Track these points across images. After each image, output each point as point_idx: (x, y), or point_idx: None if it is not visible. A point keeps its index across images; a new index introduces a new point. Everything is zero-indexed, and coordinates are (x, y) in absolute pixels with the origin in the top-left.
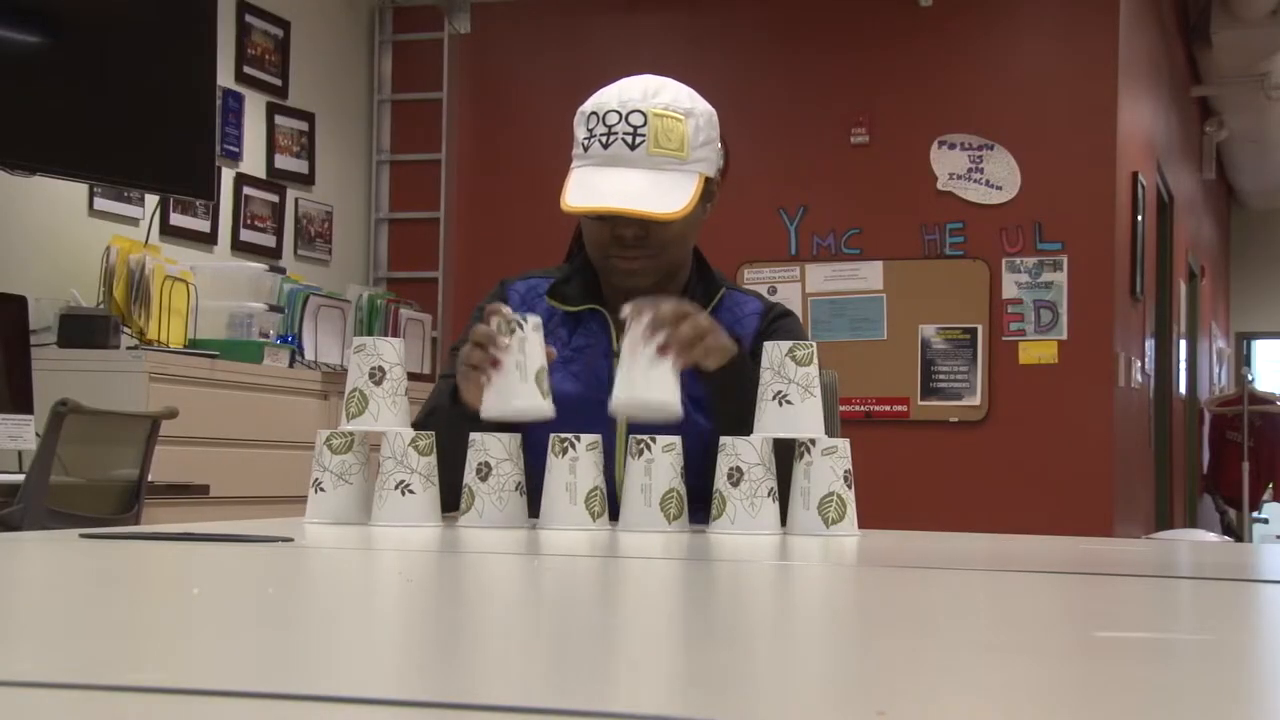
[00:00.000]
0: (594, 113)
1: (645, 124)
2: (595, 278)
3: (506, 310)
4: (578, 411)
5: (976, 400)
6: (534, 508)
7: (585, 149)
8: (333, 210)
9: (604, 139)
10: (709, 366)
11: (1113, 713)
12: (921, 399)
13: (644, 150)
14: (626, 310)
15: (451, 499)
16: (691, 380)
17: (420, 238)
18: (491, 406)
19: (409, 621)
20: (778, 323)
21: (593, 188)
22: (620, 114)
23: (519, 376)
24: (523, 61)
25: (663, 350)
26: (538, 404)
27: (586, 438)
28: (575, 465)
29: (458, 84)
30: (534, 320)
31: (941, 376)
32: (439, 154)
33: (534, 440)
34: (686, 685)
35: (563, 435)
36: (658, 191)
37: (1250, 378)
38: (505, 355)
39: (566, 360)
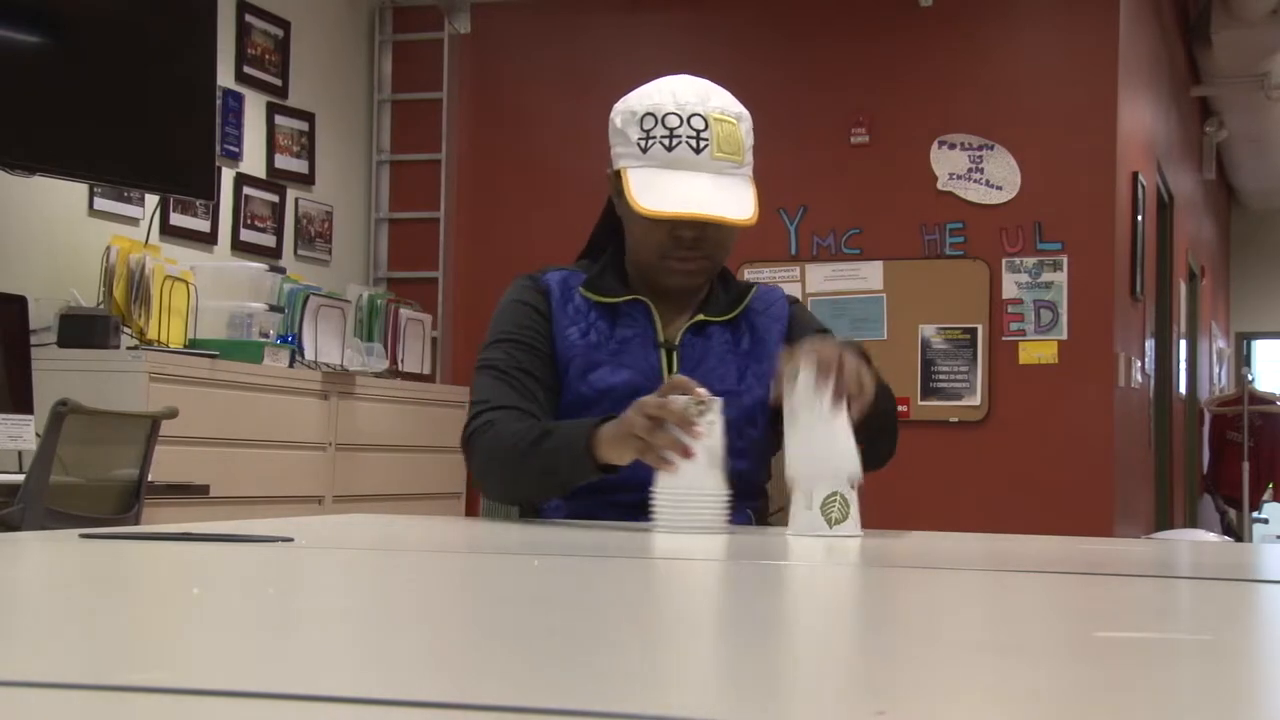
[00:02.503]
0: (650, 114)
1: (707, 128)
2: (625, 271)
3: (702, 391)
4: (632, 401)
5: (976, 400)
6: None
7: (644, 149)
8: (333, 210)
9: (666, 141)
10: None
11: (1112, 714)
12: (921, 399)
13: (708, 155)
14: (787, 367)
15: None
16: (730, 371)
17: (420, 238)
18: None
19: (410, 621)
20: (797, 307)
21: (664, 191)
22: (681, 117)
23: (708, 462)
24: (523, 61)
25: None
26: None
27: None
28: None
29: (458, 84)
30: (719, 402)
31: (941, 376)
32: (439, 154)
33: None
34: (686, 685)
35: (699, 396)
36: (726, 196)
37: (1250, 378)
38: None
39: (615, 352)
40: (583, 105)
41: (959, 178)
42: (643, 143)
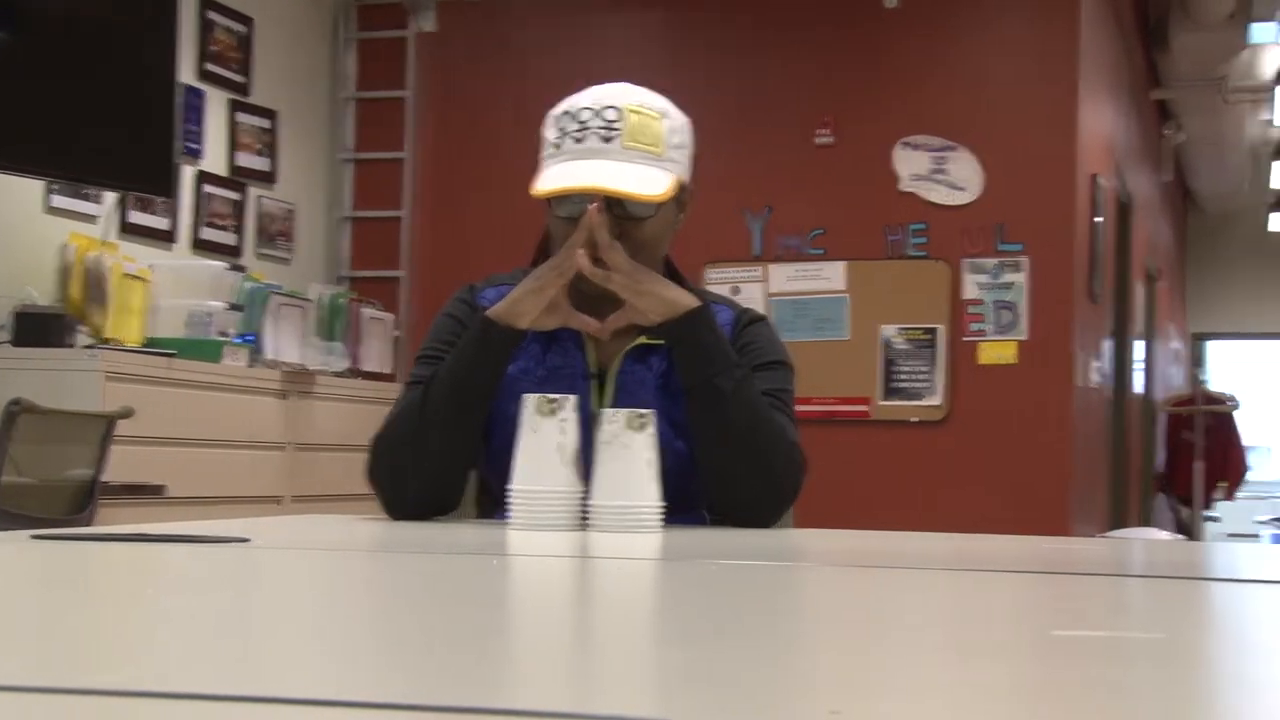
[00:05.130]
0: (566, 112)
1: (620, 119)
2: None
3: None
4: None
5: (937, 400)
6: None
7: (557, 146)
8: (295, 208)
9: (577, 135)
10: (651, 320)
11: (1069, 712)
12: (882, 399)
13: (619, 144)
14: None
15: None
16: (673, 402)
17: (383, 236)
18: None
19: (365, 622)
20: (749, 330)
21: (559, 175)
22: (594, 110)
23: (560, 460)
24: (488, 61)
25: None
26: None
27: (572, 398)
28: (566, 426)
29: (422, 82)
30: (573, 399)
31: (903, 376)
32: (403, 153)
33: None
34: (642, 685)
35: (550, 395)
36: (627, 177)
37: (1203, 378)
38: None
39: (542, 379)
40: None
41: (922, 179)
42: (558, 140)
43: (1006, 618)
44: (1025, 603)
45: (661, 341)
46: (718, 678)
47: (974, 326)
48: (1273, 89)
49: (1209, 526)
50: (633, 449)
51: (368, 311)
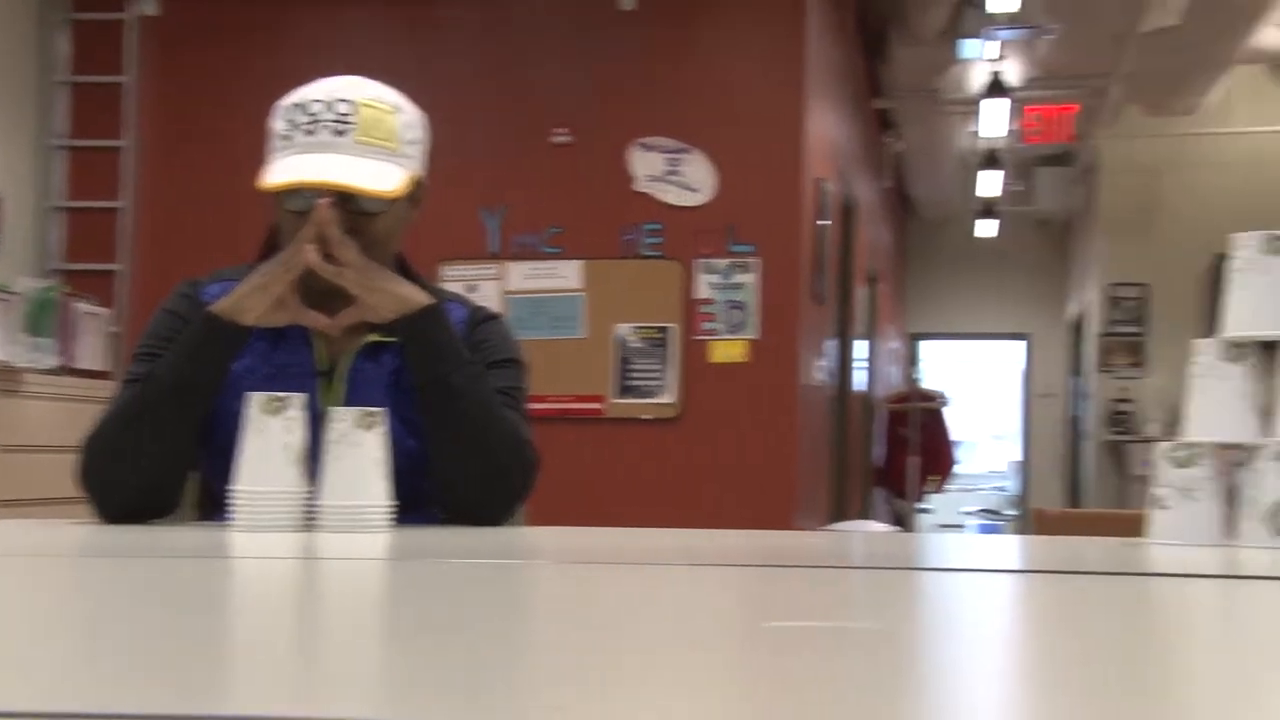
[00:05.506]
0: (296, 104)
1: (353, 112)
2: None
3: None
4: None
5: (669, 398)
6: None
7: (287, 139)
8: (1, 197)
9: (308, 127)
10: (383, 316)
11: (781, 701)
12: (616, 397)
13: (351, 138)
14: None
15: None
16: (404, 399)
17: (100, 228)
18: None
19: (67, 631)
20: (482, 328)
21: (295, 168)
22: (325, 103)
23: (285, 460)
24: (214, 48)
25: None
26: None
27: (299, 397)
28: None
29: (144, 68)
30: (300, 398)
31: (636, 375)
32: (122, 141)
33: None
34: (366, 687)
35: (276, 394)
36: (359, 171)
37: (918, 376)
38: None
39: (269, 377)
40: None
41: (657, 180)
42: (287, 133)
43: (726, 611)
44: (745, 596)
45: (393, 339)
46: (443, 678)
47: (706, 326)
48: (982, 102)
49: (922, 518)
50: (362, 448)
51: (81, 306)
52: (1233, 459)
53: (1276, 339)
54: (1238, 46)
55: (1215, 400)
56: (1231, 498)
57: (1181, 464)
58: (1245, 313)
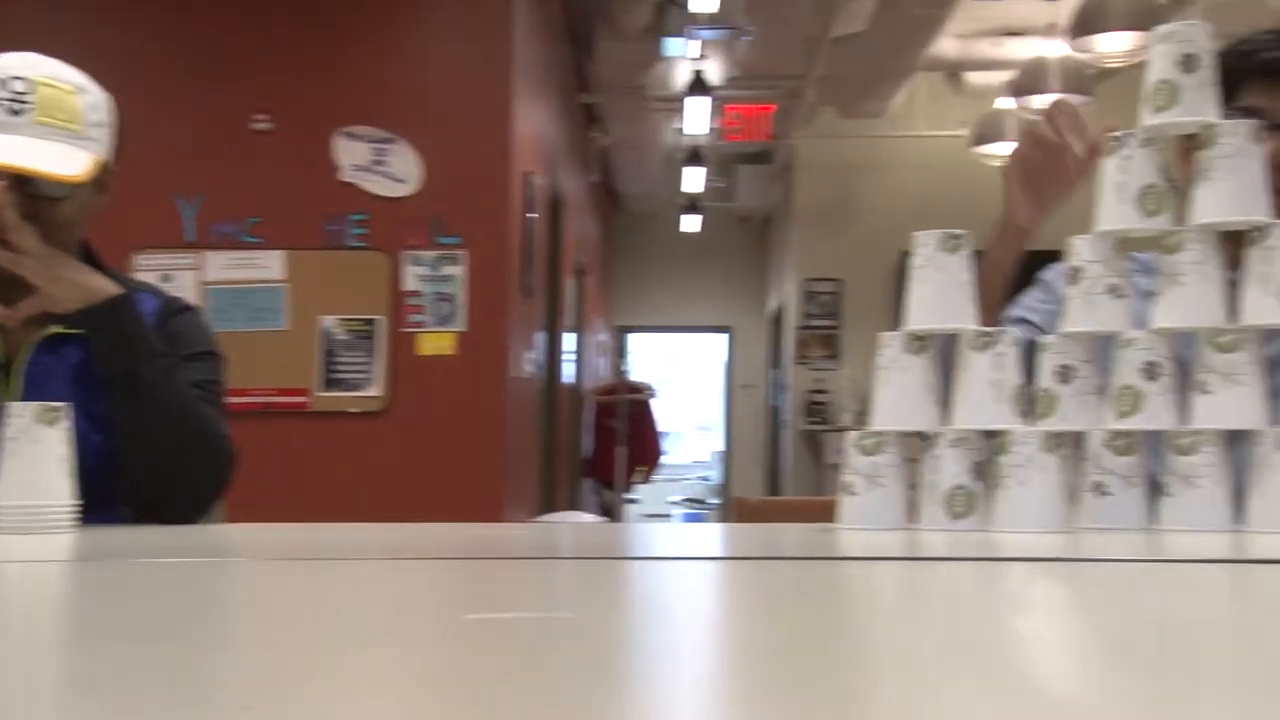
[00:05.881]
0: None
1: (30, 91)
2: None
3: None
4: None
5: (376, 391)
6: None
7: None
8: None
9: None
10: (66, 307)
11: (481, 694)
12: (322, 390)
13: (29, 118)
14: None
15: None
16: (91, 394)
17: None
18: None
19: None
20: (176, 320)
21: None
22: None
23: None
24: None
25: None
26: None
27: None
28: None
29: None
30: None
31: (342, 367)
32: None
33: None
34: (40, 696)
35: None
36: (48, 156)
37: (626, 368)
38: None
39: None
40: None
41: (362, 169)
42: None
43: (428, 605)
44: (449, 589)
45: (78, 330)
46: (127, 681)
47: (414, 318)
48: (685, 99)
49: (630, 508)
50: (43, 445)
51: None
52: (917, 446)
53: (954, 332)
54: (919, 55)
55: (899, 390)
56: (915, 483)
57: (868, 451)
58: (925, 307)
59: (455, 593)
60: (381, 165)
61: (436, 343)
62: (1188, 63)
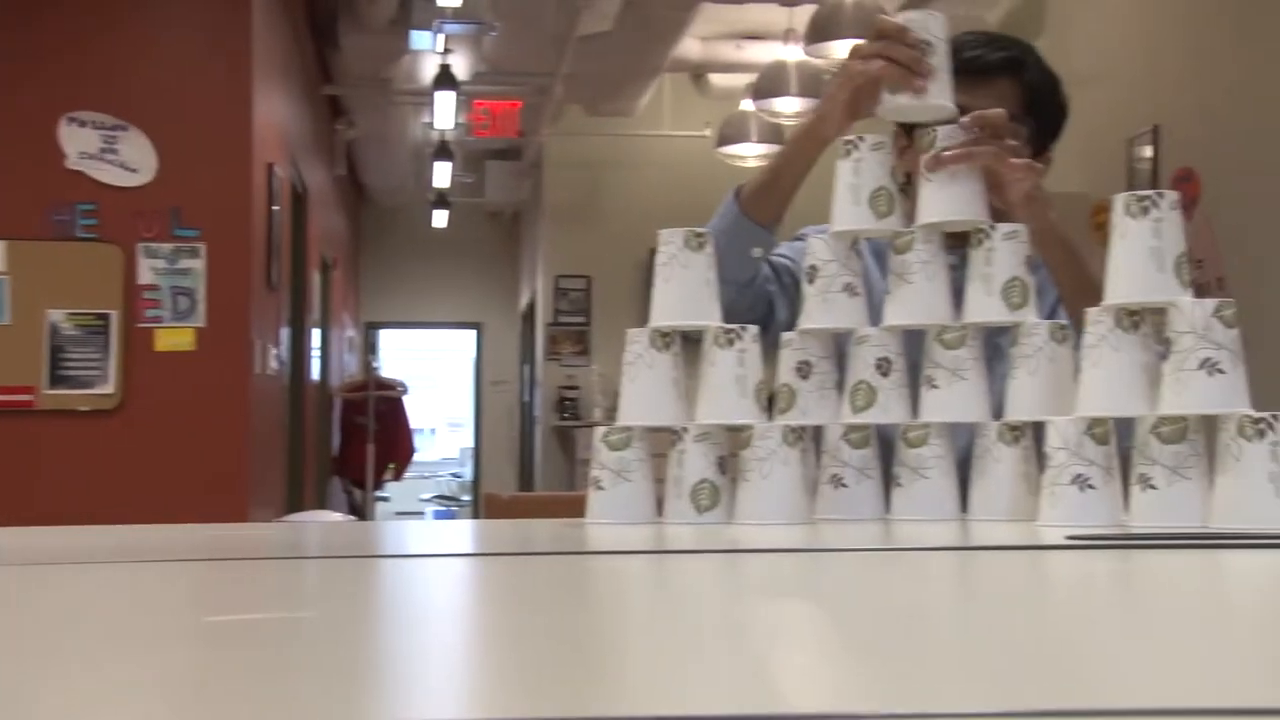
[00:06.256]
0: None
1: None
2: None
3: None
4: None
5: (109, 388)
6: None
7: None
8: None
9: None
10: None
11: (221, 696)
12: (49, 387)
13: None
14: None
15: None
16: None
17: None
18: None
19: None
20: None
21: None
22: None
23: None
24: None
25: None
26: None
27: None
28: None
29: None
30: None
31: (72, 364)
32: None
33: None
34: None
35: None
36: None
37: (376, 365)
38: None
39: None
40: None
41: (91, 157)
42: None
43: (168, 608)
44: (190, 591)
45: None
46: None
47: (150, 313)
48: (433, 94)
49: (380, 506)
50: None
51: None
52: (663, 442)
53: (697, 329)
54: (664, 56)
55: (646, 386)
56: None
57: (615, 447)
58: (671, 304)
59: (196, 595)
60: (112, 153)
61: (175, 338)
62: (923, 52)
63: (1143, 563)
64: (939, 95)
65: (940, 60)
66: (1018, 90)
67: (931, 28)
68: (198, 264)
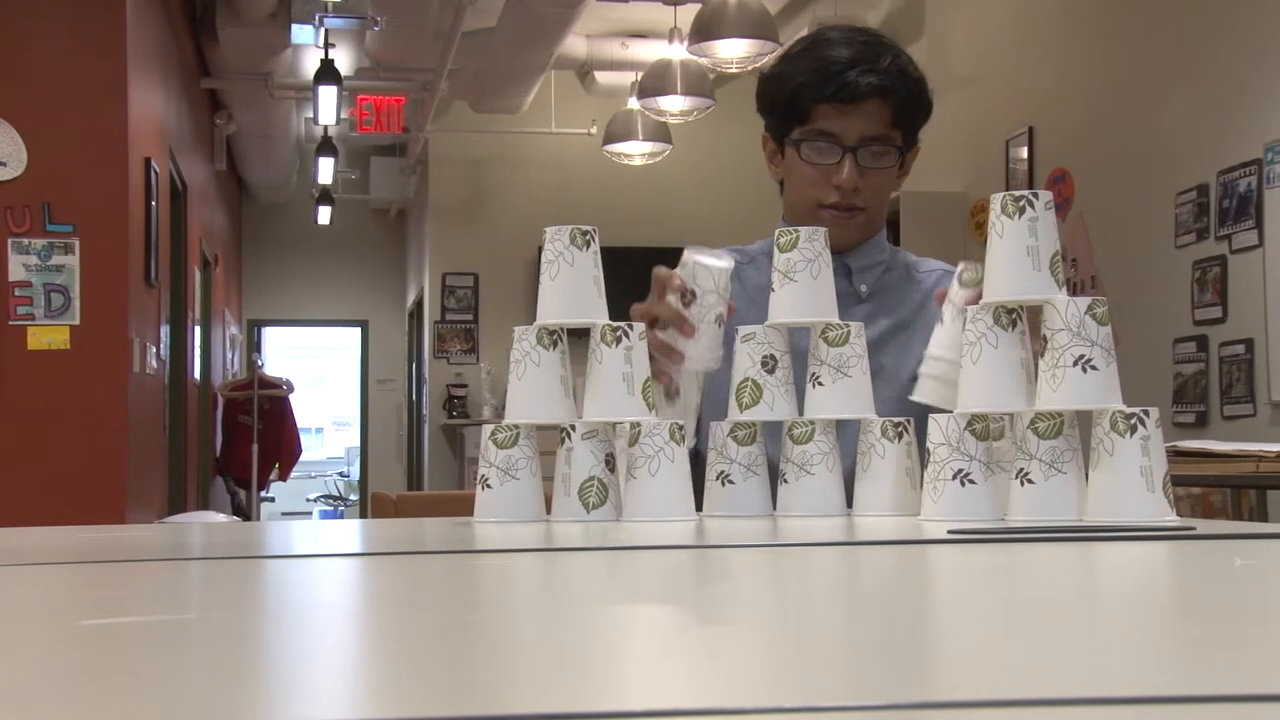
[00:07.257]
0: None
1: None
2: None
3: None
4: None
5: None
6: None
7: None
8: None
9: None
10: None
11: (101, 700)
12: None
13: None
14: None
15: None
16: None
17: None
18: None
19: None
20: None
21: None
22: None
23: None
24: None
25: None
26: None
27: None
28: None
29: None
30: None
31: None
32: None
33: None
34: None
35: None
36: None
37: (260, 363)
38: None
39: None
40: None
41: None
42: None
43: (44, 611)
44: (66, 594)
45: None
46: None
47: (22, 310)
48: (315, 88)
49: (266, 506)
50: None
51: None
52: (552, 440)
53: (584, 326)
54: (549, 53)
55: (533, 384)
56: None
57: (503, 445)
58: (556, 302)
59: (71, 598)
60: None
61: (48, 336)
62: (687, 302)
63: (1021, 555)
64: (697, 355)
65: (707, 309)
66: (886, 110)
67: (700, 278)
68: (72, 260)
